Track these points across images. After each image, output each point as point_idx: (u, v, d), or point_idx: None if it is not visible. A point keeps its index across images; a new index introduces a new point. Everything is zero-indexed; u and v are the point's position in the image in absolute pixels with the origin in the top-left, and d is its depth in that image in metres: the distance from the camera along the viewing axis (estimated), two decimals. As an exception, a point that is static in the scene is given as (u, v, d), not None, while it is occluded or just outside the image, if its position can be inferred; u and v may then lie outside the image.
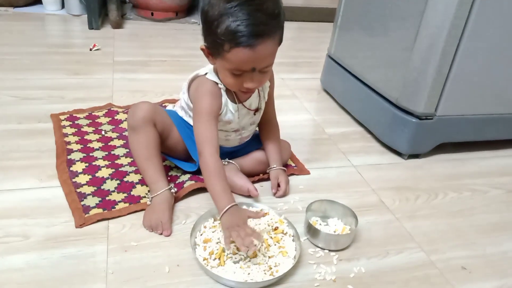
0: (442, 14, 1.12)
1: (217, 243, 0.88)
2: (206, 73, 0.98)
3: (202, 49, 0.92)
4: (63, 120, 1.28)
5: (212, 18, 0.83)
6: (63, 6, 2.39)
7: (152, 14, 2.43)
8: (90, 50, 1.91)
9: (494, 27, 1.15)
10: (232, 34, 0.81)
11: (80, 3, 2.31)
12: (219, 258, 0.84)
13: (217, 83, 0.96)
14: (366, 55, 1.45)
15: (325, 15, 2.79)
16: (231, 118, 1.01)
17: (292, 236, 0.92)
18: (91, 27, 2.18)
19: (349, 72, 1.54)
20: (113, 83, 1.61)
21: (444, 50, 1.15)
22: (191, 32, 2.35)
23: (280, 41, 0.89)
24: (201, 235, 0.90)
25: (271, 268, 0.83)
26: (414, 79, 1.23)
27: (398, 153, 1.34)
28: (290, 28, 2.53)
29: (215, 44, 0.85)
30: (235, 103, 1.00)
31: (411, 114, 1.27)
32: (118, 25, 2.26)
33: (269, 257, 0.86)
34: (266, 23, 0.82)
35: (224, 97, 0.98)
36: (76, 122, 1.28)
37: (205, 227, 0.92)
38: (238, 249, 0.84)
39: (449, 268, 0.92)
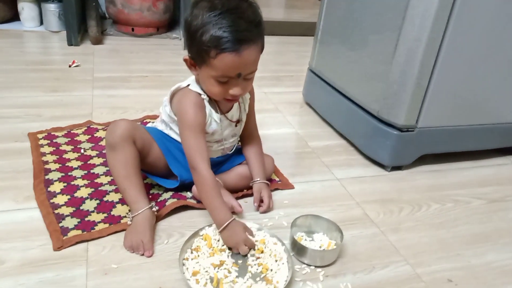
0: (419, 27, 1.13)
1: (205, 271, 0.84)
2: (188, 85, 0.98)
3: (185, 60, 0.94)
4: (41, 139, 1.25)
5: (196, 27, 0.85)
6: (41, 23, 2.36)
7: (132, 29, 2.42)
8: (69, 66, 1.88)
9: (471, 40, 1.18)
10: (218, 40, 0.83)
11: (59, 19, 2.29)
12: (218, 286, 0.82)
13: (200, 94, 0.97)
14: (346, 69, 1.46)
15: (305, 29, 2.82)
16: (216, 128, 1.01)
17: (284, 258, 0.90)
18: (70, 43, 2.16)
19: (331, 86, 1.55)
20: (93, 99, 1.58)
21: (423, 63, 1.17)
22: (172, 48, 2.34)
23: (262, 49, 0.93)
24: (187, 269, 0.85)
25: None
26: (394, 92, 1.24)
27: (381, 166, 1.34)
28: (271, 43, 2.55)
29: (201, 52, 0.87)
30: (218, 113, 1.00)
31: (392, 127, 1.28)
32: (98, 41, 2.23)
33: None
34: (249, 30, 0.86)
35: (208, 108, 0.98)
36: (54, 140, 1.25)
37: (186, 259, 0.87)
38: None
39: (435, 281, 0.91)
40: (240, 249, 0.88)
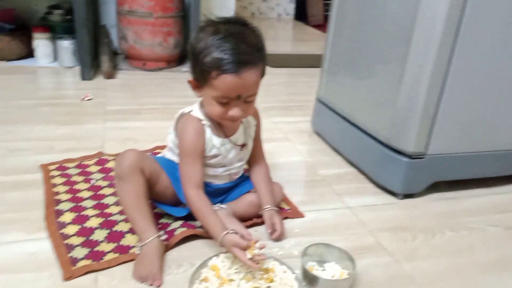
0: (424, 54, 1.14)
1: None
2: (191, 111, 1.01)
3: (189, 82, 0.97)
4: (53, 170, 1.27)
5: (199, 50, 0.89)
6: (55, 59, 2.44)
7: (144, 64, 2.48)
8: (82, 100, 1.92)
9: (477, 65, 1.18)
10: (219, 62, 0.86)
11: (73, 56, 2.36)
12: None
13: (200, 120, 0.98)
14: (354, 97, 1.48)
15: (313, 61, 2.86)
16: (216, 152, 1.02)
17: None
18: (83, 78, 2.21)
19: (339, 114, 1.56)
20: (105, 132, 1.61)
21: (429, 89, 1.17)
22: (182, 81, 2.38)
23: (263, 74, 0.95)
24: None
25: None
26: (402, 119, 1.24)
27: (393, 193, 1.32)
28: (280, 74, 2.59)
29: (203, 73, 0.90)
30: (220, 137, 1.01)
31: (402, 154, 1.27)
32: (110, 76, 2.29)
33: None
34: (250, 53, 0.89)
35: (208, 133, 1.00)
36: (65, 172, 1.26)
37: None
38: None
39: (453, 311, 0.88)
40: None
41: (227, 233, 0.89)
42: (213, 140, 1.01)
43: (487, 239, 1.15)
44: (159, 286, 0.87)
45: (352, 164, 1.50)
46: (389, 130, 1.28)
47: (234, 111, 0.93)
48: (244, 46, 0.89)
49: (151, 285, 0.87)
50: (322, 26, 4.43)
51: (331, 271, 0.95)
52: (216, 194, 1.09)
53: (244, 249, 0.87)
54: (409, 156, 1.26)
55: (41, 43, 2.37)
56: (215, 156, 1.03)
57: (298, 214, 1.17)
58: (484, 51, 1.17)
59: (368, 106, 1.40)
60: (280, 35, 4.15)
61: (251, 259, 0.86)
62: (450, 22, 1.10)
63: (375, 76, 1.36)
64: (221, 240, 0.89)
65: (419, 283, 0.95)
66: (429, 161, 1.28)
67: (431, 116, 1.21)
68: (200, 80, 0.93)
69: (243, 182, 1.14)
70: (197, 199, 0.96)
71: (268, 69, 0.98)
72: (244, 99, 0.92)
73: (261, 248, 0.88)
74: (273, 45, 3.26)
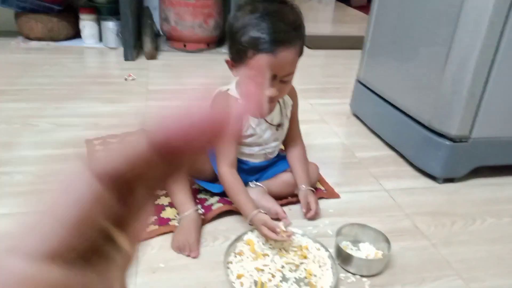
0: (472, 34, 1.10)
1: (250, 275, 0.86)
2: (228, 89, 1.02)
3: (226, 61, 0.98)
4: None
5: (237, 29, 0.89)
6: (100, 40, 2.51)
7: (184, 45, 2.52)
8: (126, 80, 1.98)
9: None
10: (255, 41, 0.87)
11: (117, 37, 2.42)
12: None
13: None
14: (396, 79, 1.44)
15: (353, 43, 2.80)
16: (252, 132, 1.04)
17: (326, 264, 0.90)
18: (126, 58, 2.27)
19: (379, 96, 1.53)
20: (147, 110, 1.65)
21: (476, 71, 1.13)
22: (222, 62, 2.39)
23: (300, 52, 0.94)
24: (231, 272, 0.87)
25: None
26: (446, 101, 1.20)
27: (432, 177, 1.29)
28: (318, 56, 2.56)
29: (239, 52, 0.90)
30: (256, 117, 1.02)
31: (444, 137, 1.23)
32: (152, 57, 2.34)
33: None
34: (287, 32, 0.88)
35: None
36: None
37: (230, 262, 0.89)
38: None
39: (491, 297, 0.87)
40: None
41: (258, 212, 0.91)
42: (249, 120, 1.02)
43: (531, 227, 1.11)
44: (195, 257, 0.90)
45: (391, 147, 1.47)
46: (431, 112, 1.25)
47: (269, 91, 0.93)
48: (282, 25, 0.88)
49: (188, 255, 0.90)
50: (364, 7, 4.31)
51: (365, 251, 0.95)
52: (252, 172, 1.11)
53: (272, 229, 0.88)
54: (452, 140, 1.23)
55: (87, 24, 2.45)
56: (250, 135, 1.04)
57: (333, 195, 1.17)
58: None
59: (411, 88, 1.36)
60: (321, 17, 4.08)
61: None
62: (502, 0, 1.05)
63: (419, 57, 1.32)
64: (252, 218, 0.91)
65: (455, 269, 0.94)
66: (473, 145, 1.24)
67: (477, 98, 1.17)
68: (236, 60, 0.94)
69: (279, 161, 1.15)
70: (229, 177, 0.98)
71: (306, 51, 0.97)
72: (280, 78, 0.92)
73: (286, 226, 0.90)
74: (312, 26, 3.22)
